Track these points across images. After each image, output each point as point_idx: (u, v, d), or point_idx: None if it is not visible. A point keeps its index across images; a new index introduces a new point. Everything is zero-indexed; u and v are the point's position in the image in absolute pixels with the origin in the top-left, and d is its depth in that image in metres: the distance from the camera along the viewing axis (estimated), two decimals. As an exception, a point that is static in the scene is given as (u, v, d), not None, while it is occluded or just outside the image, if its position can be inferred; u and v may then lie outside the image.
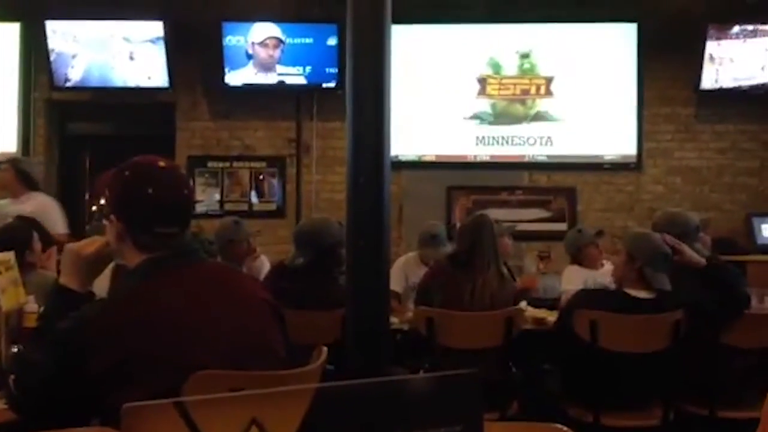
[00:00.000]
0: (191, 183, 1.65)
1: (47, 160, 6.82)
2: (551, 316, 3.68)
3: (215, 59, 6.42)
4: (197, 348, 1.53)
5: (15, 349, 2.26)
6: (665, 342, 3.06)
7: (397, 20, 2.78)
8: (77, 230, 7.15)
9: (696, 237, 3.42)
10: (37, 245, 3.48)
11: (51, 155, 6.92)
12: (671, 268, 3.12)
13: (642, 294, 3.10)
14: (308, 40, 6.46)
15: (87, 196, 7.99)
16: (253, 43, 6.44)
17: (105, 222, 1.69)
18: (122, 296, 1.59)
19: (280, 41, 6.44)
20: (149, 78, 6.45)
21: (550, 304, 4.09)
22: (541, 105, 6.65)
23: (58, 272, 3.39)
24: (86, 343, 1.49)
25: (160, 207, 1.63)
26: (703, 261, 3.22)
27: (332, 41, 6.36)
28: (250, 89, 6.51)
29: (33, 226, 3.77)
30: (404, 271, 4.37)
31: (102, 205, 1.78)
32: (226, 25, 6.40)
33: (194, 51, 6.55)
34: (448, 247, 4.11)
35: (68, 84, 6.48)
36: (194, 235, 2.91)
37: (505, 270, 3.58)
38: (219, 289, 1.64)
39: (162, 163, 1.71)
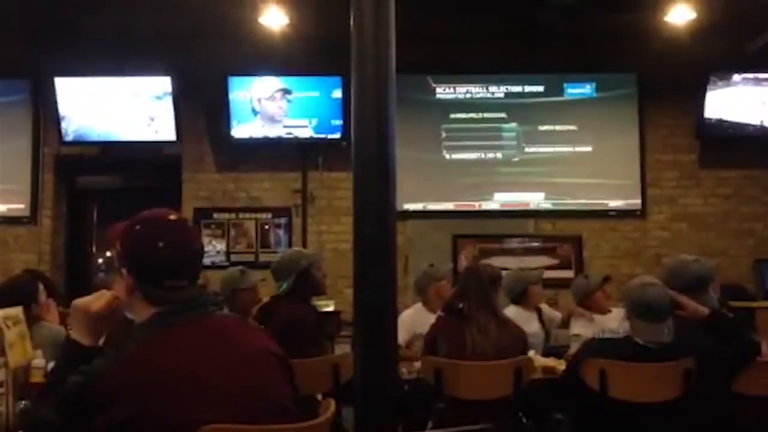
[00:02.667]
0: (200, 235, 1.67)
1: (55, 214, 6.88)
2: (561, 365, 3.64)
3: (221, 113, 6.52)
4: (202, 405, 1.51)
5: (22, 405, 2.25)
6: (676, 391, 3.01)
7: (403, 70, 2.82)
8: (84, 282, 7.19)
9: (703, 289, 3.30)
10: (43, 297, 3.48)
11: (59, 209, 6.98)
12: (675, 321, 3.08)
13: (651, 343, 3.07)
14: (314, 93, 6.57)
15: (94, 249, 8.03)
16: (259, 99, 6.55)
17: (115, 275, 1.69)
18: (130, 353, 1.58)
19: (287, 92, 6.55)
20: (156, 132, 6.54)
21: (560, 352, 4.06)
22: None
23: (63, 325, 3.42)
24: (94, 400, 1.49)
25: (171, 261, 1.64)
26: (706, 311, 3.16)
27: (337, 93, 6.46)
28: (256, 142, 6.60)
29: (38, 277, 3.78)
30: (411, 323, 4.35)
31: (110, 257, 1.79)
32: (232, 80, 6.52)
33: (200, 104, 6.66)
34: None
35: (76, 139, 6.58)
36: (202, 287, 2.90)
37: (506, 316, 3.56)
38: (226, 344, 1.63)
39: (172, 217, 1.72)
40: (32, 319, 3.02)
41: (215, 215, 6.75)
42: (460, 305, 3.44)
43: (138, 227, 1.67)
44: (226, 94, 6.50)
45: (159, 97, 6.49)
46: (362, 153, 2.72)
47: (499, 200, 6.68)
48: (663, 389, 3.03)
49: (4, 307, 2.43)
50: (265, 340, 1.74)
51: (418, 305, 4.55)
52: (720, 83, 6.50)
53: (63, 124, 6.52)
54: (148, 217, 1.72)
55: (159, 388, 1.49)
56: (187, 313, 1.63)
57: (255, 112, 6.56)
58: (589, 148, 6.77)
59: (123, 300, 1.67)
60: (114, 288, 1.71)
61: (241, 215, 6.79)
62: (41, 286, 3.52)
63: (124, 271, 1.65)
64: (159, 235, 1.65)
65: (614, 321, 3.93)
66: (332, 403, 1.80)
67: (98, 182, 7.35)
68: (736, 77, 6.51)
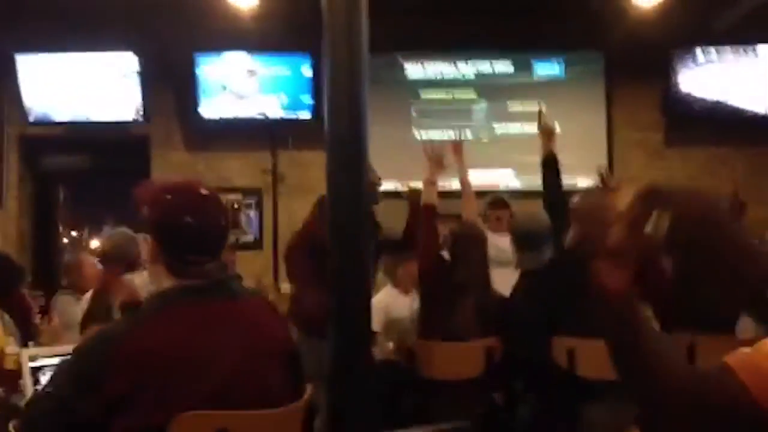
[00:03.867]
0: (228, 214, 1.70)
1: (20, 196, 6.76)
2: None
3: (189, 91, 6.44)
4: (192, 386, 1.53)
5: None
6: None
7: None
8: (51, 264, 7.10)
9: None
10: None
11: (24, 190, 6.86)
12: None
13: None
14: (283, 70, 6.51)
15: (60, 230, 7.93)
16: (227, 75, 6.47)
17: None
18: (143, 321, 1.61)
19: (255, 71, 6.49)
20: (123, 111, 6.44)
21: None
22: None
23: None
24: (105, 365, 1.50)
25: (196, 237, 1.65)
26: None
27: (307, 71, 6.41)
28: (224, 121, 6.53)
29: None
30: (384, 308, 4.30)
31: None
32: (199, 56, 6.43)
33: (168, 83, 6.56)
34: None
35: (41, 119, 6.45)
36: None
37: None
38: (233, 328, 1.64)
39: (203, 191, 1.72)
40: (4, 307, 3.00)
41: (184, 195, 6.68)
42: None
43: (169, 197, 1.68)
44: (194, 72, 6.42)
45: (125, 75, 6.38)
46: (335, 132, 2.72)
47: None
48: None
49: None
50: (278, 329, 1.76)
51: (388, 288, 4.50)
52: (686, 60, 6.58)
53: (26, 104, 6.39)
54: (180, 187, 1.74)
55: (155, 364, 1.51)
56: (203, 292, 1.64)
57: (224, 88, 6.48)
58: (557, 128, 6.81)
59: (147, 262, 1.70)
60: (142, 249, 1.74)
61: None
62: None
63: (149, 237, 1.67)
64: (188, 209, 1.66)
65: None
66: (309, 387, 1.82)
67: (64, 163, 7.23)
68: (700, 54, 6.59)
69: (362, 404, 2.42)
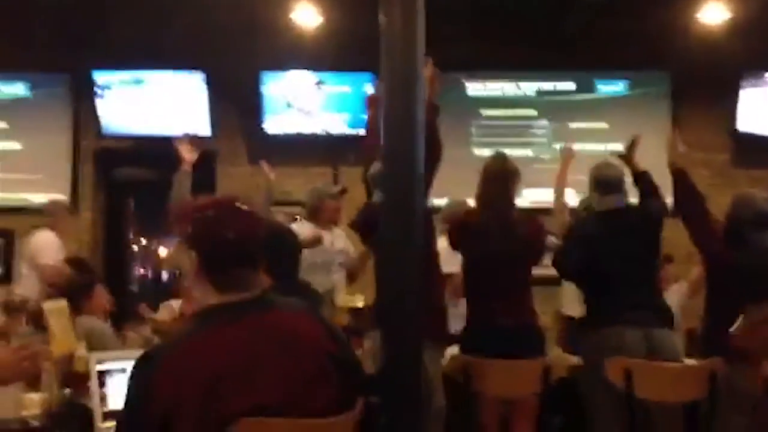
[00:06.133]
0: (264, 228, 1.77)
1: (94, 206, 7.05)
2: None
3: (255, 108, 6.62)
4: (240, 399, 1.57)
5: (66, 393, 2.36)
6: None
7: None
8: (122, 271, 7.36)
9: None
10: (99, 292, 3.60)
11: (98, 200, 7.15)
12: None
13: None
14: (345, 88, 6.63)
15: (131, 238, 8.21)
16: (293, 92, 6.63)
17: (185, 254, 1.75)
18: (186, 340, 1.67)
19: (321, 83, 6.61)
20: (191, 126, 6.65)
21: None
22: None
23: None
24: (149, 387, 1.57)
25: (237, 251, 1.70)
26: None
27: (369, 89, 6.51)
28: (288, 138, 6.68)
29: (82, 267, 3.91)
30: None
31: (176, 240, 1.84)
32: (264, 74, 6.61)
33: (234, 100, 6.76)
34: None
35: (114, 132, 6.73)
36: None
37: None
38: (273, 341, 1.68)
39: (242, 207, 1.78)
40: (77, 312, 3.14)
41: (248, 209, 6.85)
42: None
43: (210, 213, 1.74)
44: (259, 89, 6.60)
45: (194, 93, 6.62)
46: (391, 149, 2.78)
47: (528, 197, 6.66)
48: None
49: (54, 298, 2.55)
50: (323, 339, 1.76)
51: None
52: (754, 82, 6.44)
53: (101, 117, 6.68)
54: (219, 203, 1.79)
55: (202, 382, 1.56)
56: (247, 307, 1.69)
57: (289, 105, 6.65)
58: (620, 146, 6.72)
59: (190, 279, 1.73)
60: (182, 263, 1.78)
61: (273, 209, 6.87)
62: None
63: (192, 253, 1.72)
64: (228, 225, 1.71)
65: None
66: (361, 403, 1.83)
67: (135, 174, 7.51)
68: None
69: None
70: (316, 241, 4.23)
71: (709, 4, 5.85)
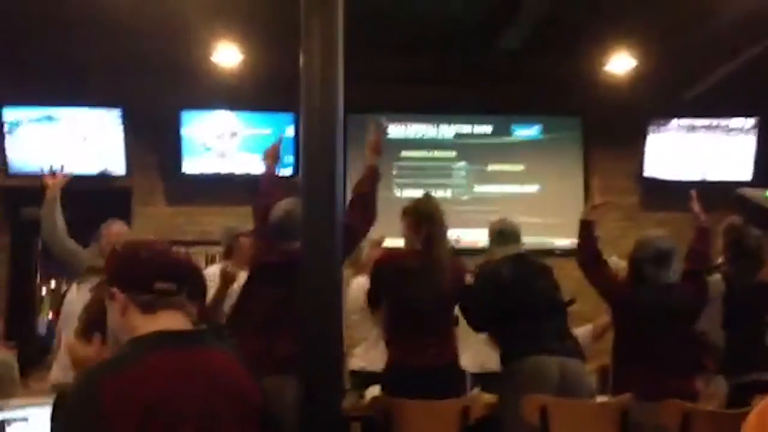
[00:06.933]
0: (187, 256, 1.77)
1: (-1, 245, 6.75)
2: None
3: (172, 147, 6.51)
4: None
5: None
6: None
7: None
8: (28, 314, 7.02)
9: (665, 262, 3.60)
10: None
11: (2, 240, 6.84)
12: None
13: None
14: (266, 131, 6.61)
15: (38, 280, 7.87)
16: (210, 134, 6.57)
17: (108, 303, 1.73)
18: (122, 370, 1.59)
19: (237, 133, 6.59)
20: (105, 164, 6.49)
21: None
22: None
23: None
24: (102, 409, 1.51)
25: (155, 265, 1.71)
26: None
27: (290, 130, 6.51)
28: (207, 177, 6.60)
29: None
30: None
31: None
32: (184, 114, 6.53)
33: (151, 138, 6.64)
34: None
35: (21, 170, 6.48)
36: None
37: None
38: (205, 379, 1.64)
39: (151, 238, 1.83)
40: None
41: (164, 249, 6.68)
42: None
43: (119, 248, 1.78)
44: (179, 129, 6.50)
45: (108, 130, 6.46)
46: (311, 190, 2.78)
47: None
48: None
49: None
50: (250, 390, 1.74)
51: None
52: (660, 128, 6.78)
53: (8, 155, 6.42)
54: (130, 240, 1.86)
55: (137, 413, 1.51)
56: (179, 341, 1.66)
57: (207, 149, 6.58)
58: (535, 188, 6.96)
59: (118, 323, 1.71)
60: (109, 320, 1.73)
61: (192, 249, 6.73)
62: None
63: (114, 291, 1.70)
64: (141, 249, 1.75)
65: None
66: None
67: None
68: (675, 123, 6.80)
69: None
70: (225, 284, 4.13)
71: (617, 52, 6.14)
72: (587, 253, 3.71)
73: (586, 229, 3.74)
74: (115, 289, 1.70)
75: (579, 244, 3.77)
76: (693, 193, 3.82)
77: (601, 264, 3.70)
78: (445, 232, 3.55)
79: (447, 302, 3.51)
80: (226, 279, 3.78)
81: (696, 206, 3.82)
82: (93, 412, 1.50)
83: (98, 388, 1.52)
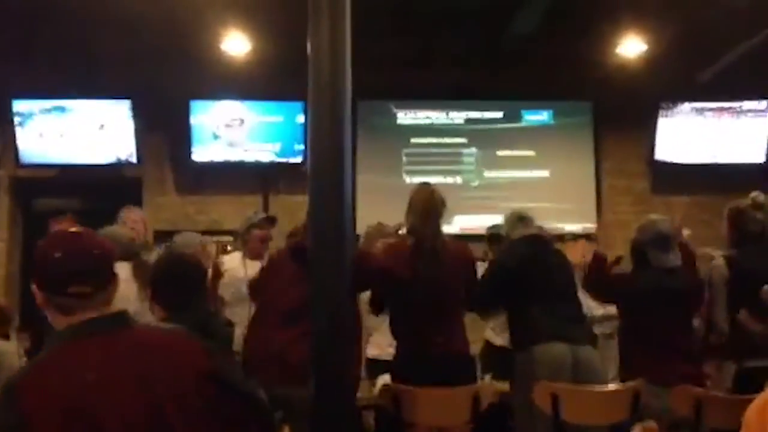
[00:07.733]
0: (106, 245, 1.71)
1: (10, 236, 6.78)
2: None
3: (182, 136, 6.52)
4: (103, 415, 1.52)
5: None
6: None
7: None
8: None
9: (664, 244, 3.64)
10: None
11: (14, 232, 6.88)
12: None
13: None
14: (277, 118, 6.61)
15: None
16: (219, 126, 6.58)
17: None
18: (39, 365, 1.61)
19: (246, 121, 6.59)
20: (116, 154, 6.51)
21: None
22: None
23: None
24: (22, 413, 1.50)
25: (69, 269, 1.66)
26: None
27: (301, 118, 6.50)
28: (217, 165, 6.61)
29: None
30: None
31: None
32: (194, 104, 6.53)
33: (161, 127, 6.65)
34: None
35: (34, 161, 6.51)
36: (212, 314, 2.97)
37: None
38: (135, 361, 1.62)
39: (74, 230, 1.77)
40: None
41: (176, 238, 6.71)
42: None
43: (41, 243, 1.72)
44: (188, 118, 6.51)
45: (120, 119, 6.47)
46: (318, 177, 2.77)
47: (458, 224, 6.76)
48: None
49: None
50: (195, 358, 1.69)
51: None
52: (671, 112, 6.73)
53: (20, 146, 6.46)
54: (52, 232, 1.79)
55: (50, 409, 1.50)
56: (99, 326, 1.65)
57: (216, 137, 6.58)
58: (546, 173, 6.93)
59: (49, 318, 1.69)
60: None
61: (205, 239, 6.74)
62: None
63: (34, 287, 1.69)
64: (56, 247, 1.69)
65: None
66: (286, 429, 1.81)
67: (56, 205, 7.25)
68: (686, 106, 6.75)
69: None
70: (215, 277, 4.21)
71: (627, 36, 6.09)
72: (595, 282, 3.81)
73: (597, 261, 3.83)
74: (34, 286, 1.69)
75: (587, 273, 3.85)
76: None
77: (607, 285, 3.79)
78: (440, 220, 3.55)
79: (453, 288, 3.50)
80: (216, 272, 3.86)
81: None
82: (12, 417, 1.50)
83: (16, 391, 1.52)
